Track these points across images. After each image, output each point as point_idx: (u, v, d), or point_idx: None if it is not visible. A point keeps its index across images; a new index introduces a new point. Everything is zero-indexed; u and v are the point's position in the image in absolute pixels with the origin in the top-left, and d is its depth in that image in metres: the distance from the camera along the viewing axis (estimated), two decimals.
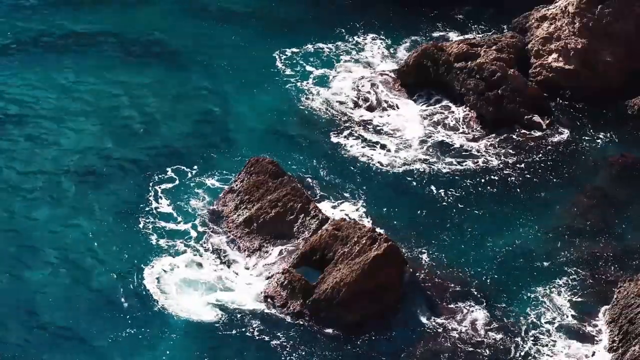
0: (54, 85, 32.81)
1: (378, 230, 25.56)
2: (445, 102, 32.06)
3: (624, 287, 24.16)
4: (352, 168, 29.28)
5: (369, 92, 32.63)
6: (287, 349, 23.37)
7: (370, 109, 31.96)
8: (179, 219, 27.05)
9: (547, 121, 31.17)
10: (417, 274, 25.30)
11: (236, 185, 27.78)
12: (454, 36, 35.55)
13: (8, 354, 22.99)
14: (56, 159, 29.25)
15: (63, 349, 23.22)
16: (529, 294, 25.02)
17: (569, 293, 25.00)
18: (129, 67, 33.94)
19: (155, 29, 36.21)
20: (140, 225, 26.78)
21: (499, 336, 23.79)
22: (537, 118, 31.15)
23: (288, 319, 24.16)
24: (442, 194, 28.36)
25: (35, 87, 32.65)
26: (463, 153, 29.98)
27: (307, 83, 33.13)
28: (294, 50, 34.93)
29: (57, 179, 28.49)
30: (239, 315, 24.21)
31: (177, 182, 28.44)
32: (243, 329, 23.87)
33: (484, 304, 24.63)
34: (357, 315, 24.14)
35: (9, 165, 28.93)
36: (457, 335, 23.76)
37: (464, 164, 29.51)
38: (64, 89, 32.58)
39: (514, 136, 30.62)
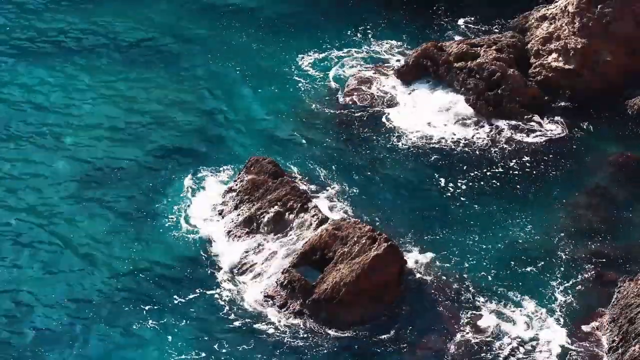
0: (55, 85, 32.79)
1: (378, 229, 25.55)
2: (445, 102, 32.06)
3: (624, 287, 24.14)
4: (352, 167, 29.28)
5: (369, 92, 32.64)
6: (287, 349, 23.35)
7: (371, 109, 31.95)
8: (178, 218, 27.04)
9: (547, 121, 31.16)
10: (417, 274, 25.30)
11: (236, 185, 27.78)
12: (454, 36, 35.55)
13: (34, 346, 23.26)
14: (56, 159, 29.24)
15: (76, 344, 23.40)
16: (528, 294, 24.99)
17: (568, 292, 24.99)
18: (131, 67, 33.94)
19: (161, 27, 36.26)
20: (139, 225, 26.78)
21: (498, 335, 23.79)
22: (537, 118, 31.17)
23: (288, 319, 24.14)
24: (442, 193, 28.37)
25: (36, 87, 32.63)
26: (462, 153, 29.98)
27: (309, 83, 33.14)
28: (297, 50, 34.92)
29: (57, 178, 28.48)
30: (237, 315, 24.19)
31: (177, 181, 28.46)
32: (242, 329, 23.85)
33: (484, 303, 24.62)
34: (357, 315, 24.12)
35: (13, 165, 28.93)
36: (457, 335, 23.76)
37: (463, 163, 29.53)
38: (65, 89, 32.56)
39: (514, 136, 30.62)
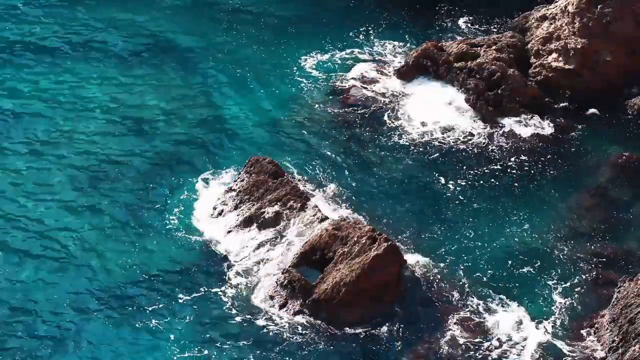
0: (55, 85, 32.82)
1: (378, 229, 25.56)
2: (445, 102, 32.08)
3: (624, 287, 24.11)
4: (352, 167, 29.29)
5: (370, 92, 32.65)
6: (287, 349, 23.36)
7: (371, 109, 31.95)
8: (180, 219, 27.05)
9: (547, 121, 31.17)
10: (417, 274, 25.30)
11: (236, 185, 27.80)
12: (454, 36, 35.59)
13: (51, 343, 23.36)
14: (55, 160, 29.23)
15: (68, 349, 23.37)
16: (528, 294, 25.01)
17: (568, 293, 24.99)
18: (134, 68, 33.97)
19: (164, 28, 36.33)
20: (140, 225, 26.80)
21: (497, 336, 23.79)
22: (537, 118, 31.17)
23: (288, 319, 24.16)
24: (442, 193, 28.38)
25: (36, 88, 32.64)
26: (462, 153, 29.99)
27: (311, 83, 33.16)
28: (299, 50, 34.96)
29: (56, 179, 28.49)
30: (238, 315, 24.21)
31: (178, 181, 28.48)
32: (242, 329, 23.87)
33: (484, 303, 24.63)
34: (357, 315, 24.13)
35: (13, 166, 28.94)
36: (456, 335, 23.76)
37: (463, 163, 29.53)
38: (68, 89, 32.60)
39: (514, 136, 30.63)
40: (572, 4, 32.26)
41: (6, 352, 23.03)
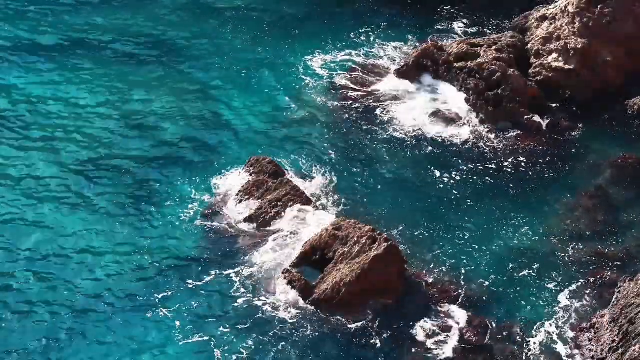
0: (54, 85, 32.83)
1: (378, 229, 25.57)
2: (444, 103, 32.10)
3: (624, 287, 24.13)
4: (352, 167, 29.32)
5: (370, 92, 32.69)
6: (287, 349, 23.37)
7: (371, 109, 31.99)
8: (178, 219, 27.06)
9: (547, 121, 31.20)
10: (417, 274, 25.32)
11: (236, 185, 27.81)
12: (454, 36, 35.61)
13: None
14: (55, 160, 29.23)
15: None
16: (528, 294, 25.02)
17: (568, 293, 25.01)
18: (137, 67, 34.01)
19: (166, 28, 36.40)
20: (138, 226, 26.79)
21: (498, 337, 23.79)
22: (537, 118, 31.19)
23: (288, 318, 24.16)
24: (442, 194, 28.40)
25: (34, 88, 32.63)
26: (463, 153, 30.02)
27: (311, 83, 33.19)
28: (300, 50, 35.02)
29: (56, 179, 28.49)
30: (236, 314, 24.22)
31: (177, 181, 28.49)
32: (242, 329, 23.88)
33: (484, 304, 24.65)
34: (357, 315, 24.14)
35: (12, 166, 28.96)
36: (456, 336, 23.77)
37: (463, 164, 29.56)
38: (64, 90, 32.60)
39: (514, 137, 30.65)
40: (572, 4, 32.29)
41: (10, 349, 23.01)
